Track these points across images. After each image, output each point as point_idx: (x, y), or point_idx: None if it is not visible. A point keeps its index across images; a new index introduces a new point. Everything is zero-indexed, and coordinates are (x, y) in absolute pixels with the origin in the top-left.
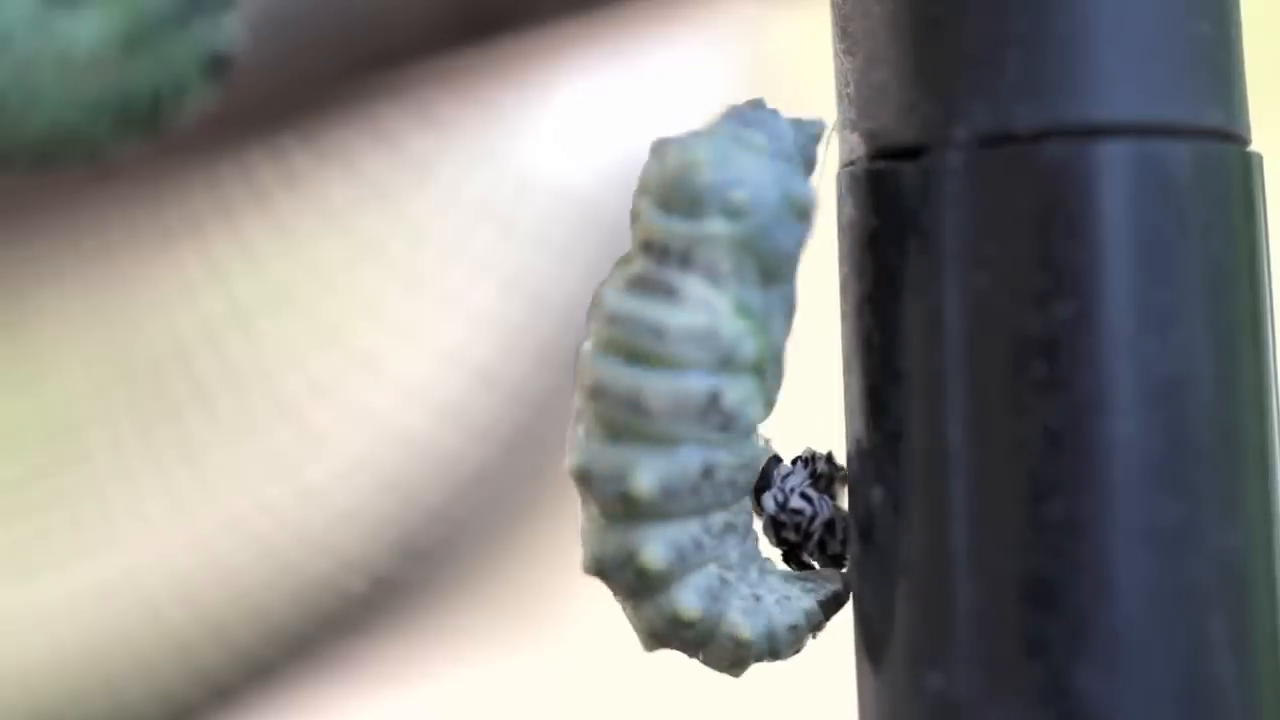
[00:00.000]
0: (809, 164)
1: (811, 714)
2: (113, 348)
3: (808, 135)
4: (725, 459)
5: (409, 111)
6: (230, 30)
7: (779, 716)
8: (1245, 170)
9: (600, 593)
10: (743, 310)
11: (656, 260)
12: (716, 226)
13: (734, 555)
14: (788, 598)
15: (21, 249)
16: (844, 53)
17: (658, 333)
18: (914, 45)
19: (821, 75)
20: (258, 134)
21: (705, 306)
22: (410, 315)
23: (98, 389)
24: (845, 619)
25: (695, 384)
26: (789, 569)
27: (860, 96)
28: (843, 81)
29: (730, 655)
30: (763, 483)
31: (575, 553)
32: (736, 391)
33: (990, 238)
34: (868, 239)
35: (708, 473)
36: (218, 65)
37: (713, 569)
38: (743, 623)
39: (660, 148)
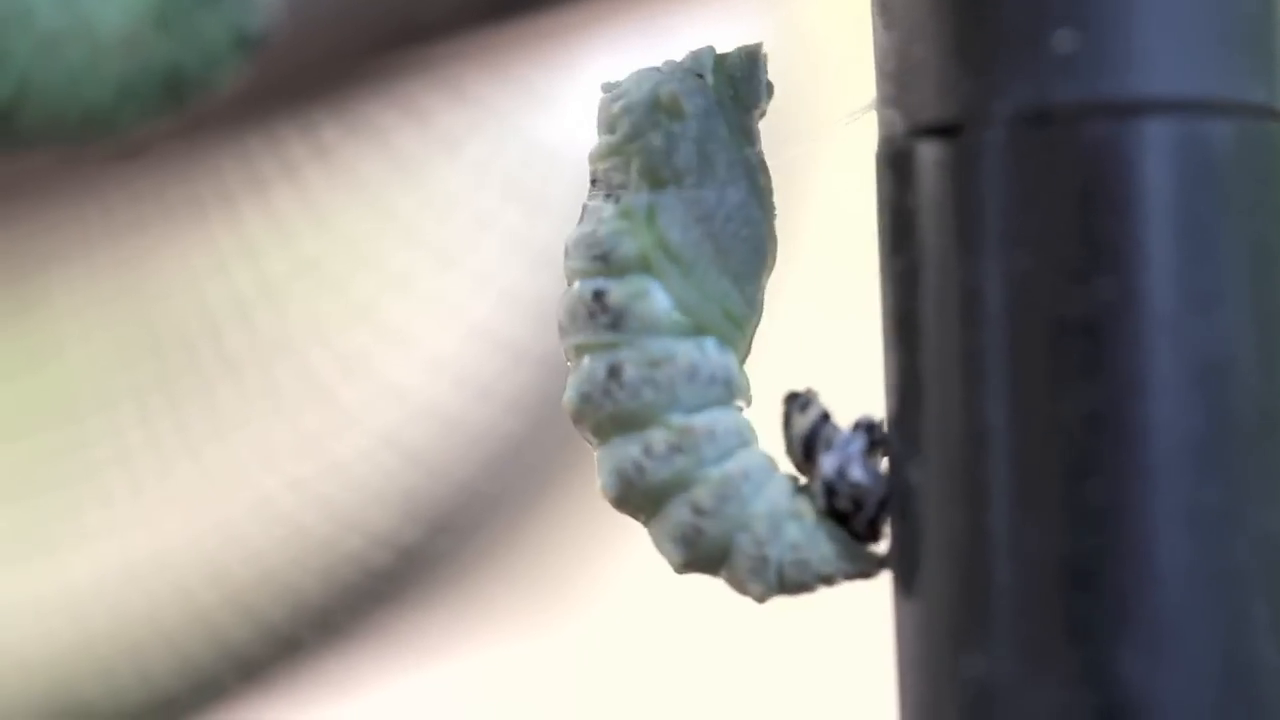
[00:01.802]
0: (699, 74)
1: (827, 694)
2: (142, 323)
3: (696, 55)
4: (630, 357)
5: (439, 87)
6: (261, 6)
7: (796, 697)
8: None
9: (625, 566)
10: (624, 213)
11: (588, 191)
12: (603, 141)
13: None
14: (804, 560)
15: (52, 225)
16: (884, 28)
17: (565, 252)
18: (954, 21)
19: (853, 49)
20: (288, 108)
21: (594, 217)
22: (439, 290)
23: (126, 364)
24: (884, 602)
25: (581, 289)
26: (836, 528)
27: (899, 72)
28: (882, 57)
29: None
30: (811, 436)
31: (602, 526)
32: (622, 289)
33: (1030, 216)
34: (906, 216)
35: (613, 374)
36: (248, 41)
37: (683, 504)
38: (748, 580)
39: None
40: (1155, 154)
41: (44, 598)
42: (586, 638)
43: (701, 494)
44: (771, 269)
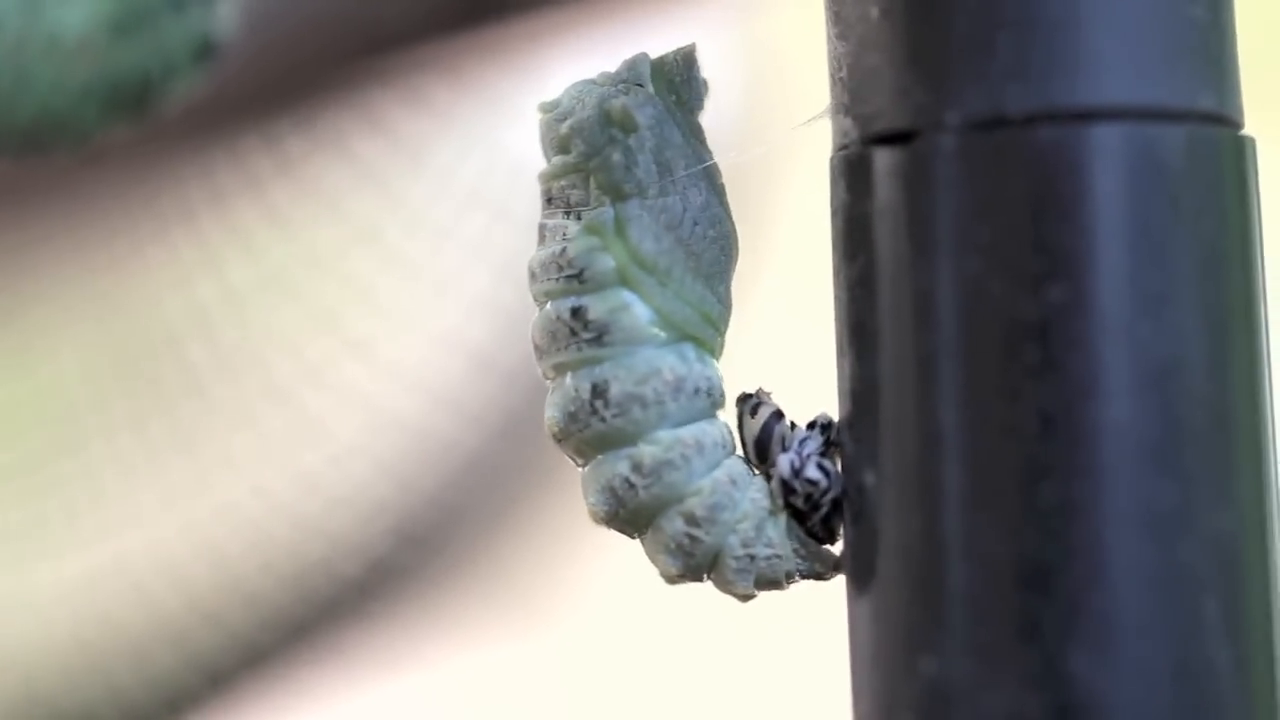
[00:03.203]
0: (638, 83)
1: (803, 696)
2: (107, 334)
3: (630, 63)
4: (614, 373)
5: (403, 97)
6: (222, 16)
7: (774, 701)
8: (1238, 154)
9: (594, 579)
10: (591, 229)
11: (542, 211)
12: (557, 161)
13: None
14: (779, 557)
15: (15, 235)
16: (837, 37)
17: (530, 275)
18: (906, 29)
19: (814, 60)
20: (251, 120)
21: (556, 235)
22: (404, 301)
23: (92, 376)
24: (835, 603)
25: (558, 308)
26: (797, 527)
27: (853, 81)
28: (835, 66)
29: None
30: (764, 437)
31: (570, 538)
32: (602, 304)
33: (982, 222)
34: (860, 223)
35: (599, 392)
36: (208, 50)
37: (674, 516)
38: (732, 570)
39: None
40: (1106, 160)
41: (8, 604)
42: (553, 650)
43: (694, 504)
44: (735, 261)
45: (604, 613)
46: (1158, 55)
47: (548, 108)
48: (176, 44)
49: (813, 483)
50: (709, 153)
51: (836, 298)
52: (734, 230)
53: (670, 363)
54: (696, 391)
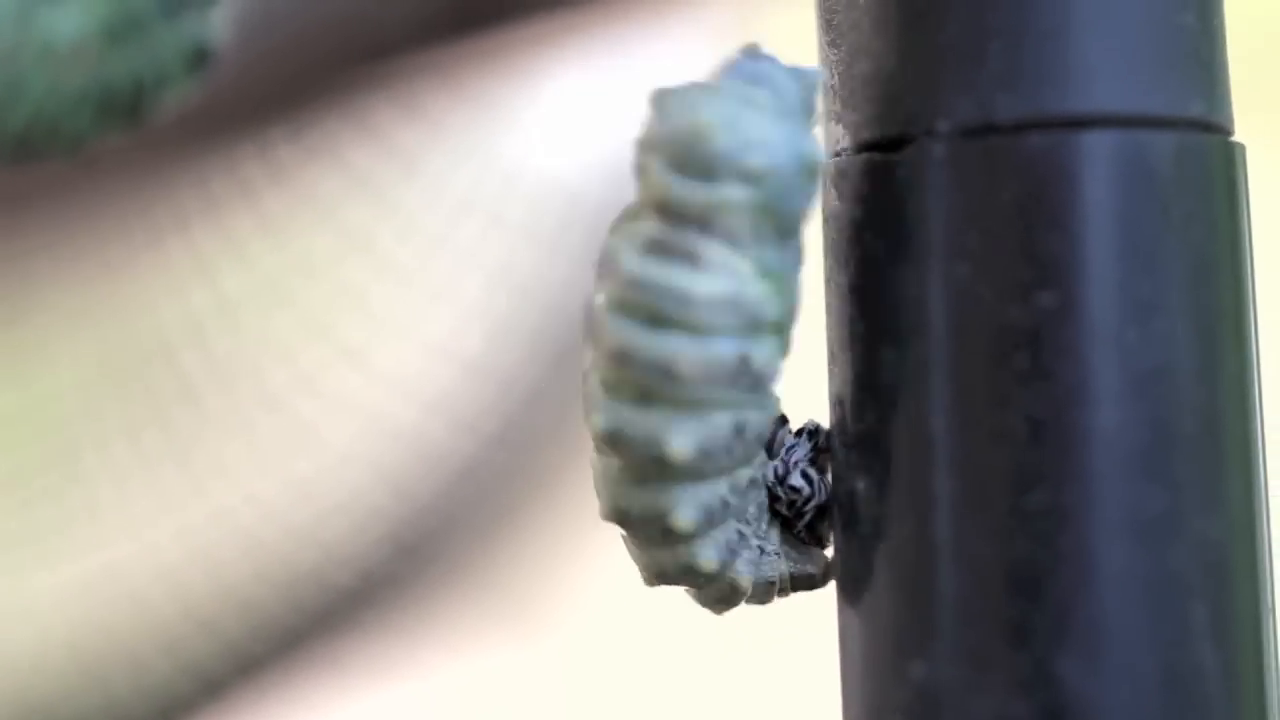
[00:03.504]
0: (810, 115)
1: (798, 702)
2: (100, 343)
3: (808, 86)
4: (754, 417)
5: (396, 105)
6: (216, 23)
7: (768, 706)
8: (1228, 161)
9: (589, 587)
10: (763, 272)
11: (673, 224)
12: (734, 192)
13: (752, 509)
14: (778, 554)
15: (7, 243)
16: (829, 45)
17: (684, 300)
18: (898, 37)
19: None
20: (245, 128)
21: (728, 271)
22: (398, 308)
23: (85, 384)
24: (831, 609)
25: (725, 349)
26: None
27: (844, 88)
28: (827, 74)
29: (724, 597)
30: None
31: (564, 546)
32: (763, 352)
33: (973, 229)
34: (852, 230)
35: (739, 432)
36: (202, 58)
37: (732, 524)
38: (745, 573)
39: (663, 102)
40: (1095, 167)
41: (3, 613)
42: (547, 659)
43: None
44: None
45: (600, 620)
46: (1148, 63)
47: (691, 114)
48: (170, 51)
49: (796, 490)
50: None
51: (828, 304)
52: None
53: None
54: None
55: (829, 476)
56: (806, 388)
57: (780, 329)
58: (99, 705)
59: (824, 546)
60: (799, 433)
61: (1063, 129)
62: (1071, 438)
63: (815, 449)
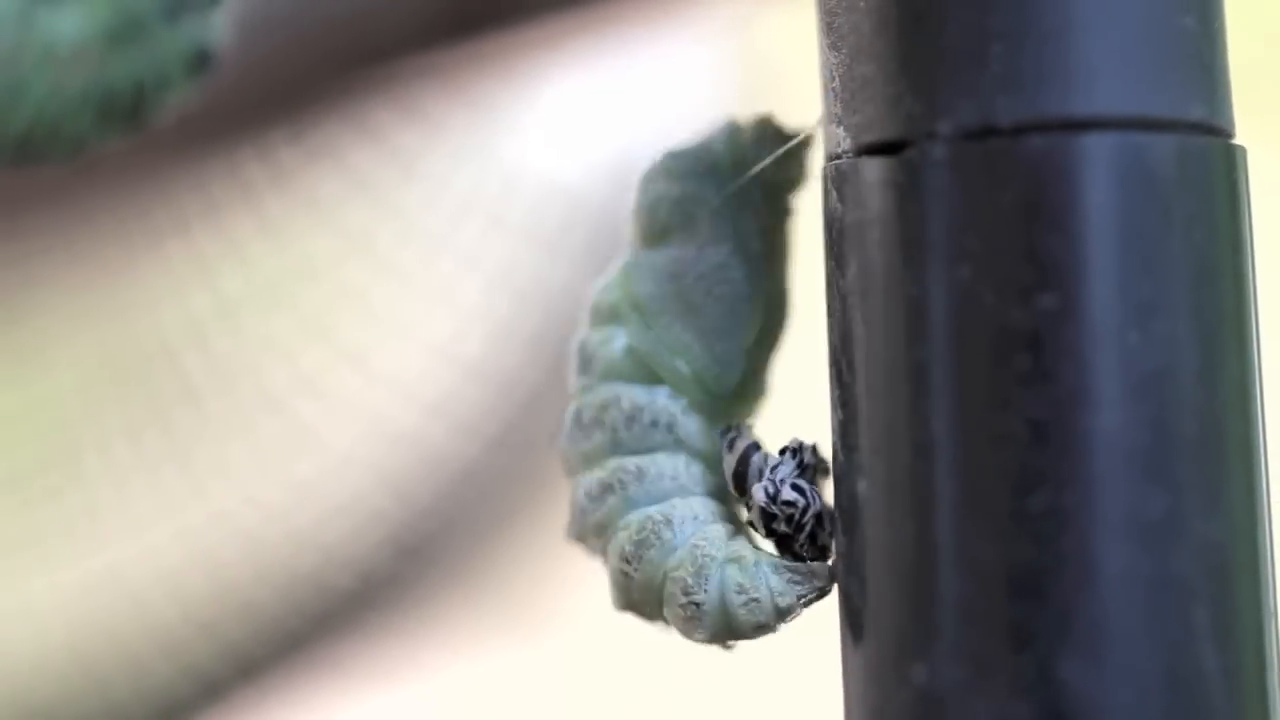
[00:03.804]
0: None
1: (800, 706)
2: (101, 344)
3: (729, 124)
4: (588, 399)
5: (397, 107)
6: (217, 26)
7: (769, 709)
8: (1229, 163)
9: (590, 588)
10: (618, 270)
11: None
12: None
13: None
14: (756, 600)
15: (9, 246)
16: (829, 47)
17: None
18: (898, 40)
19: (809, 71)
20: (245, 130)
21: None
22: (399, 310)
23: (86, 386)
24: (833, 613)
25: (578, 340)
26: (779, 560)
27: (845, 91)
28: (828, 76)
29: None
30: (741, 469)
31: (566, 547)
32: (595, 337)
33: (974, 231)
34: (852, 232)
35: (577, 416)
36: (202, 61)
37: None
38: (688, 628)
39: None
40: (1096, 170)
41: (4, 615)
42: (547, 660)
43: (623, 539)
44: (760, 331)
45: (600, 622)
46: (1149, 65)
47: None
48: (171, 54)
49: (790, 504)
50: (770, 223)
51: (829, 306)
52: (765, 302)
53: (632, 393)
54: (654, 424)
55: (820, 488)
56: (806, 388)
57: (615, 317)
58: (99, 707)
59: (826, 557)
60: (782, 451)
61: (1063, 131)
62: (1073, 439)
63: (800, 465)
